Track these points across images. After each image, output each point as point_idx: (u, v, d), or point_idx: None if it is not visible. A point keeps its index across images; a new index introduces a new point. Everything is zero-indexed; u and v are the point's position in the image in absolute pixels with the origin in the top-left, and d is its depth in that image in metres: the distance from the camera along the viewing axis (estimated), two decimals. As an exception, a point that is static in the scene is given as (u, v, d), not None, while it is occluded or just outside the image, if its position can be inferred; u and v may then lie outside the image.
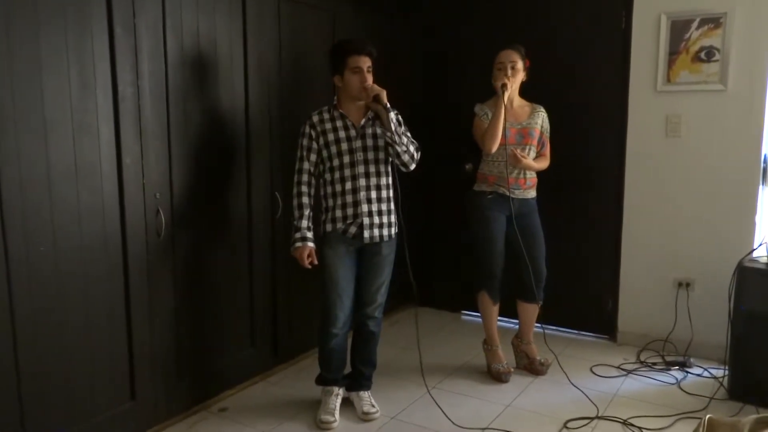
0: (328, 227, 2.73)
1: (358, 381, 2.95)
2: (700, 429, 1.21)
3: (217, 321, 2.97)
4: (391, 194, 2.79)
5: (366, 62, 2.65)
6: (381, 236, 2.74)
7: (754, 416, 1.20)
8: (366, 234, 2.70)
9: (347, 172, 2.68)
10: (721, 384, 3.13)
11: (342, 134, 2.69)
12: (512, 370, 3.31)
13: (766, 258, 3.01)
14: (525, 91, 3.24)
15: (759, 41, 3.26)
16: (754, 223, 3.35)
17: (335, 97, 2.75)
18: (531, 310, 3.36)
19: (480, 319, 3.44)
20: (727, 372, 3.09)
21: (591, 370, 3.37)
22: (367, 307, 2.85)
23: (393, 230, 2.79)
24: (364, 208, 2.69)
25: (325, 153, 2.71)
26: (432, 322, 4.14)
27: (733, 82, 3.34)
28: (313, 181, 2.73)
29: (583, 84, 3.74)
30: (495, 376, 3.27)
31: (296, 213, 2.70)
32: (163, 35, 2.57)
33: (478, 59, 3.56)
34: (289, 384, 3.21)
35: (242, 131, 3.00)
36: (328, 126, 2.69)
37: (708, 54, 3.40)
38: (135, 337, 2.56)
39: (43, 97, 2.17)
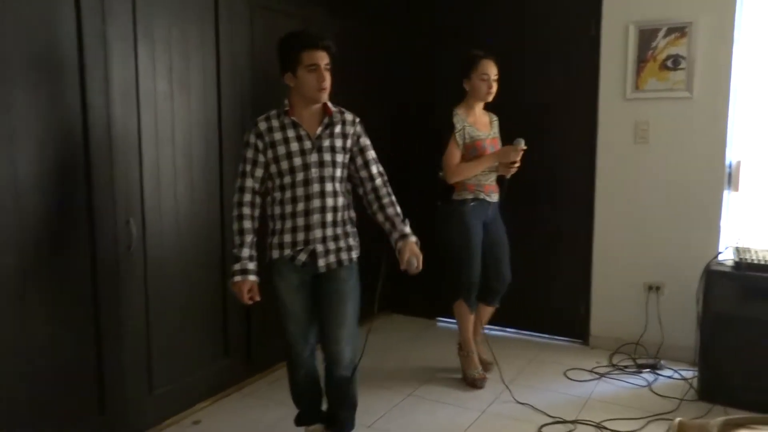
0: (275, 254, 2.35)
1: (336, 423, 2.53)
2: (670, 433, 1.23)
3: (190, 332, 2.93)
4: (352, 214, 2.43)
5: (323, 58, 2.26)
6: (339, 261, 2.36)
7: (723, 418, 1.23)
8: (320, 263, 2.33)
9: (300, 191, 2.29)
10: (691, 385, 3.19)
11: (295, 147, 2.28)
12: (487, 376, 3.33)
13: (732, 261, 3.08)
14: (496, 97, 3.25)
15: (722, 50, 3.35)
16: (719, 227, 3.43)
17: (286, 101, 2.32)
18: (490, 312, 3.44)
19: (455, 326, 3.46)
20: (696, 374, 3.15)
21: (565, 374, 3.41)
22: (333, 346, 2.39)
23: (353, 254, 2.41)
24: (317, 233, 2.31)
25: (274, 168, 2.30)
26: (407, 330, 4.14)
27: (698, 90, 3.42)
28: (258, 201, 2.34)
29: (555, 91, 3.80)
30: (470, 382, 3.28)
31: (236, 239, 2.30)
32: (134, 43, 2.54)
33: (451, 65, 3.57)
34: (263, 395, 3.19)
35: (215, 140, 2.97)
36: (278, 136, 2.29)
37: (675, 62, 3.48)
38: (104, 349, 2.51)
39: (10, 109, 2.12)
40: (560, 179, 3.83)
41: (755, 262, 3.00)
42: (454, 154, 3.17)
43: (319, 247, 2.32)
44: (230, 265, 2.34)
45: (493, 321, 3.68)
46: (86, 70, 2.36)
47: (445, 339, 3.88)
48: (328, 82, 2.28)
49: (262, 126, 2.31)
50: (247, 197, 2.31)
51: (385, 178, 2.46)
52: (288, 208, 2.31)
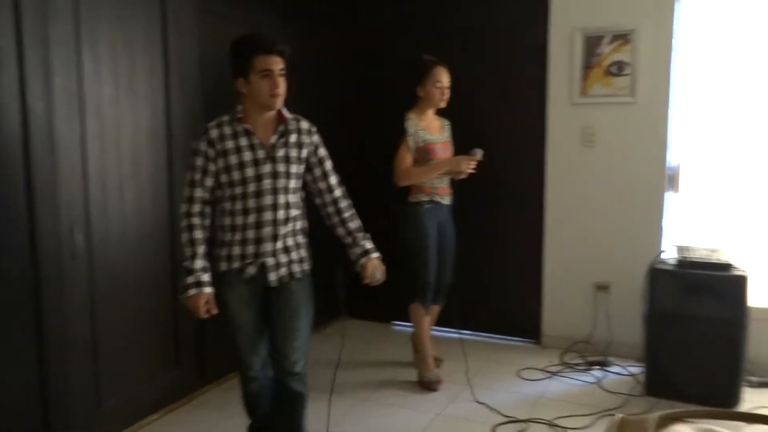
0: (223, 266, 2.27)
1: None
2: (612, 429, 1.27)
3: (139, 342, 2.86)
4: (304, 224, 2.37)
5: (278, 63, 2.18)
6: (291, 274, 2.30)
7: (660, 413, 1.27)
8: (271, 277, 2.26)
9: (251, 202, 2.20)
10: (638, 381, 3.29)
11: (247, 156, 2.19)
12: (443, 379, 3.35)
13: (674, 260, 3.20)
14: (447, 101, 3.31)
15: (662, 56, 3.48)
16: (662, 227, 3.55)
17: (238, 107, 2.24)
18: (436, 311, 3.50)
19: (411, 329, 3.49)
20: (643, 369, 3.25)
21: (518, 374, 3.47)
22: (284, 360, 2.33)
23: (306, 265, 2.36)
24: (268, 246, 2.23)
25: (224, 178, 2.20)
26: (363, 335, 4.14)
27: (641, 95, 3.54)
28: (208, 211, 2.25)
29: (505, 96, 3.87)
30: (426, 385, 3.30)
31: (187, 250, 2.20)
32: (77, 46, 2.48)
33: (401, 68, 3.61)
34: (217, 406, 3.13)
35: (163, 147, 2.91)
36: (230, 145, 2.19)
37: (619, 68, 3.59)
38: (48, 363, 2.43)
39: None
40: (512, 182, 3.90)
41: (696, 260, 3.12)
42: (405, 158, 3.21)
43: (270, 261, 2.25)
44: (182, 275, 2.25)
45: (447, 323, 3.73)
46: (26, 74, 2.28)
47: (401, 342, 3.89)
48: (282, 89, 2.20)
49: (214, 133, 2.21)
50: (197, 207, 2.22)
51: (344, 188, 2.43)
52: (238, 220, 2.22)
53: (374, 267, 2.39)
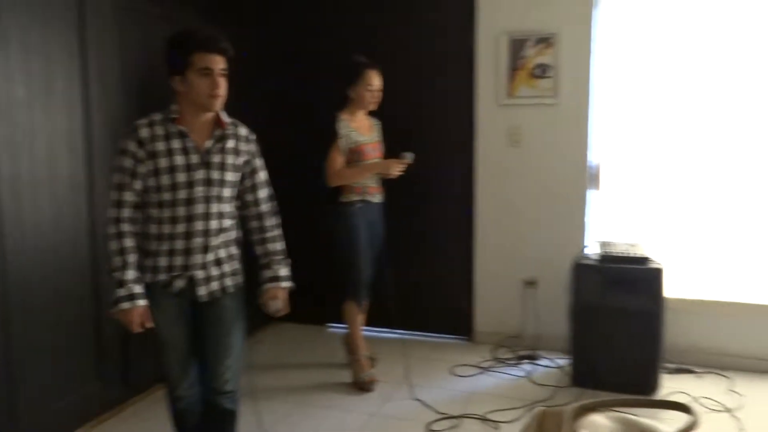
0: (148, 277, 2.11)
1: None
2: (533, 422, 1.31)
3: (59, 354, 2.73)
4: (238, 235, 2.26)
5: (219, 63, 2.05)
6: (223, 289, 2.19)
7: (577, 403, 1.32)
8: (201, 291, 2.14)
9: (181, 210, 2.06)
10: (566, 373, 3.41)
11: (179, 160, 2.05)
12: (377, 379, 3.37)
13: (596, 255, 3.33)
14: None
15: (583, 59, 3.62)
16: (585, 224, 3.70)
17: (172, 107, 2.09)
18: (366, 308, 3.50)
19: (345, 330, 3.49)
20: (570, 361, 3.37)
21: (451, 371, 3.53)
22: (216, 379, 2.22)
23: (239, 278, 2.24)
24: (197, 258, 2.11)
25: (152, 182, 2.05)
26: (296, 338, 4.10)
27: (563, 96, 3.67)
28: (138, 216, 2.09)
29: (435, 96, 3.92)
30: (360, 385, 3.31)
31: (116, 260, 2.03)
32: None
33: (331, 68, 3.60)
34: (143, 418, 3.01)
35: (81, 151, 2.79)
36: (161, 146, 2.03)
37: (542, 70, 3.71)
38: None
39: None
40: (442, 182, 3.96)
41: (616, 255, 3.26)
42: (336, 159, 3.21)
43: (200, 274, 2.12)
44: (111, 287, 2.06)
45: (381, 323, 3.76)
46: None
47: (335, 344, 3.89)
48: (223, 89, 2.07)
49: (144, 133, 2.03)
50: (126, 212, 2.05)
51: (274, 204, 2.31)
52: (166, 229, 2.07)
53: (274, 296, 2.24)
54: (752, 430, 2.81)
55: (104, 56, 2.87)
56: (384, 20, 3.97)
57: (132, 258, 2.05)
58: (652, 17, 3.55)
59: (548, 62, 3.69)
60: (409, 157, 3.23)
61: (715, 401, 3.07)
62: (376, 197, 3.37)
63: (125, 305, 2.02)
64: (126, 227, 2.05)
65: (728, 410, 3.00)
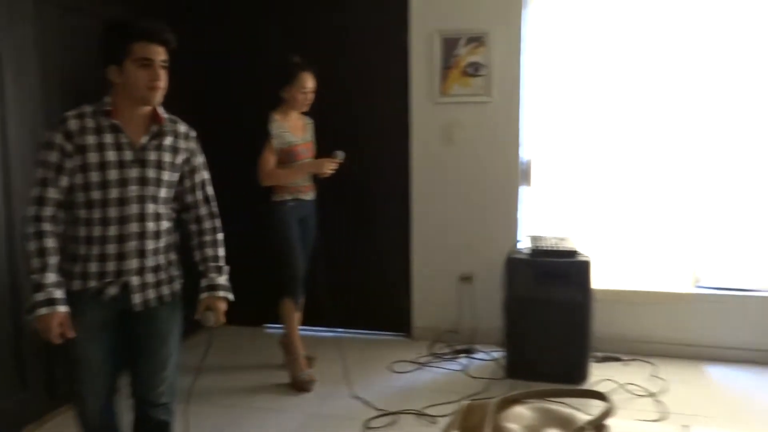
0: (76, 284, 1.94)
1: None
2: (458, 416, 1.33)
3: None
4: (176, 239, 2.12)
5: (160, 54, 1.92)
6: (160, 297, 2.05)
7: (502, 396, 1.35)
8: (136, 299, 1.99)
9: (113, 211, 1.92)
10: (500, 365, 3.48)
11: (111, 156, 1.90)
12: (316, 378, 3.35)
13: (528, 249, 3.42)
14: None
15: (514, 58, 3.70)
16: (517, 219, 3.79)
17: (106, 99, 1.94)
18: (302, 306, 3.47)
19: (281, 331, 3.47)
20: (504, 354, 3.45)
21: (390, 367, 3.55)
22: (150, 392, 2.09)
23: (176, 285, 2.11)
24: (133, 263, 1.96)
25: (80, 179, 1.89)
26: (233, 340, 4.02)
27: (496, 94, 3.74)
28: (62, 216, 1.93)
29: (370, 95, 3.94)
30: (299, 385, 3.29)
31: (36, 262, 1.86)
32: None
33: (270, 69, 3.56)
34: (71, 430, 2.89)
35: (-3, 150, 2.65)
36: (92, 140, 1.88)
37: (475, 69, 3.78)
38: None
39: None
40: (378, 179, 3.98)
41: (546, 248, 3.36)
42: (269, 159, 3.21)
43: (135, 280, 1.98)
44: (28, 290, 1.89)
45: (318, 322, 3.74)
46: None
47: (272, 345, 3.84)
48: (163, 82, 1.93)
49: (73, 125, 1.87)
50: (49, 211, 1.87)
51: (214, 205, 2.17)
52: (96, 231, 1.91)
53: (209, 307, 2.09)
54: (674, 413, 2.95)
55: (20, 49, 2.72)
56: (318, 19, 3.95)
57: (53, 260, 1.88)
58: (579, 17, 3.66)
59: (480, 61, 3.75)
60: (339, 155, 3.25)
61: (640, 387, 3.21)
62: (309, 195, 3.38)
63: (43, 311, 1.85)
64: (47, 226, 1.88)
65: (652, 395, 3.14)
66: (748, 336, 3.53)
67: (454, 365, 3.57)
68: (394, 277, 4.01)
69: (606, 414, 1.25)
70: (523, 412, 1.34)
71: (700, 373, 3.43)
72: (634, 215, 3.71)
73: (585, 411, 1.37)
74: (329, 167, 3.23)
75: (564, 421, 1.29)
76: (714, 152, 3.57)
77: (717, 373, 3.44)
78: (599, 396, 1.34)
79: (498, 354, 3.62)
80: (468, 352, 3.70)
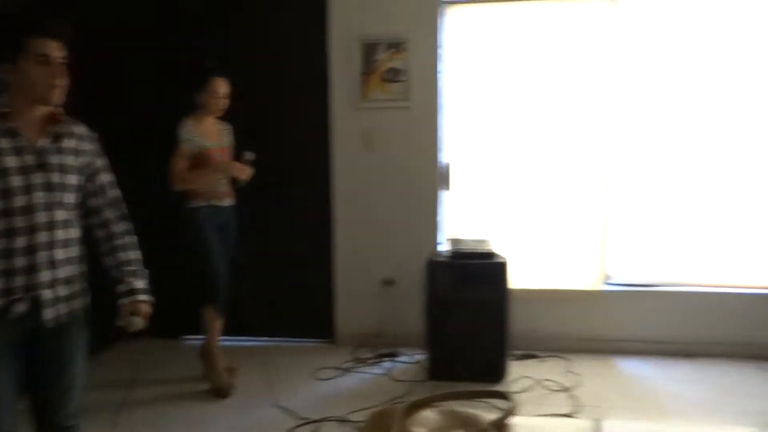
0: None
1: None
2: (368, 424, 1.33)
3: None
4: (83, 249, 1.99)
5: (58, 49, 1.80)
6: (71, 312, 1.91)
7: (408, 401, 1.36)
8: (48, 314, 1.83)
9: (19, 221, 1.77)
10: (423, 367, 3.52)
11: (12, 162, 1.76)
12: (236, 386, 3.29)
13: (447, 252, 3.48)
14: (232, 108, 3.29)
15: (432, 64, 3.77)
16: (438, 223, 3.86)
17: (1, 100, 1.81)
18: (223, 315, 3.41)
19: (201, 342, 3.39)
20: (426, 356, 3.48)
21: (314, 374, 3.52)
22: (56, 414, 1.95)
23: (86, 298, 1.99)
24: (44, 276, 1.81)
25: None
26: (150, 353, 3.88)
27: (415, 100, 3.79)
28: None
29: (291, 100, 3.91)
30: (218, 392, 3.24)
31: None
32: None
33: (184, 73, 3.46)
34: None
35: None
36: None
37: (395, 74, 3.81)
38: None
39: None
40: (299, 185, 3.95)
41: (465, 251, 3.43)
42: (178, 163, 3.17)
43: (47, 294, 1.81)
44: None
45: (240, 331, 3.67)
46: None
47: (193, 357, 3.73)
48: (63, 80, 1.82)
49: None
50: None
51: (122, 207, 2.06)
52: (1, 244, 1.76)
53: (133, 311, 1.99)
54: (587, 406, 3.08)
55: None
56: (235, 23, 3.88)
57: None
58: (496, 24, 3.77)
59: (400, 66, 3.80)
60: (249, 156, 3.21)
61: (555, 382, 3.34)
62: (227, 201, 3.33)
63: None
64: None
65: (566, 389, 3.26)
66: (655, 329, 3.74)
67: (377, 369, 3.58)
68: (317, 283, 3.99)
69: (507, 414, 1.29)
70: (429, 416, 1.35)
71: (611, 367, 3.60)
72: (548, 216, 3.84)
73: (484, 411, 1.40)
74: (240, 170, 3.18)
75: (468, 423, 1.32)
76: (620, 153, 3.76)
77: (626, 366, 3.62)
78: (502, 396, 1.38)
79: (421, 356, 3.66)
80: (391, 355, 3.73)
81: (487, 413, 1.39)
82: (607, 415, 2.99)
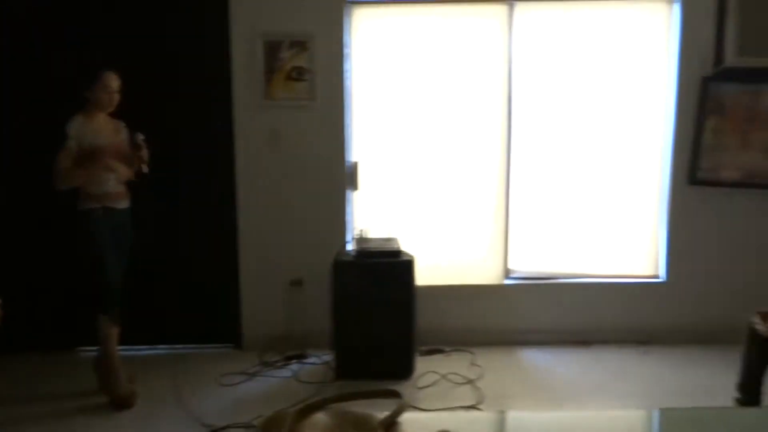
0: None
1: None
2: (259, 429, 1.30)
3: None
4: None
5: None
6: None
7: (299, 405, 1.34)
8: None
9: None
10: (331, 367, 3.51)
11: None
12: (138, 395, 3.15)
13: (354, 251, 3.49)
14: (130, 106, 3.15)
15: (338, 63, 3.75)
16: (345, 222, 3.86)
17: None
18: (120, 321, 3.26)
19: (96, 353, 3.22)
20: (334, 356, 3.47)
21: (219, 381, 3.42)
22: None
23: None
24: None
25: None
26: (41, 367, 3.64)
27: (320, 99, 3.77)
28: None
29: (191, 98, 3.78)
30: (120, 402, 3.10)
31: None
32: None
33: (69, 68, 3.28)
34: None
35: None
36: None
37: (299, 73, 3.77)
38: None
39: None
40: (202, 185, 3.83)
41: (372, 249, 3.46)
42: (63, 161, 3.00)
43: None
44: None
45: (141, 339, 3.52)
46: None
47: (88, 368, 3.54)
48: None
49: None
50: None
51: None
52: None
53: None
54: (490, 397, 3.19)
55: None
56: (132, 18, 3.70)
57: None
58: (398, 25, 3.81)
59: (304, 65, 3.76)
60: (139, 136, 3.09)
61: (461, 375, 3.43)
62: (121, 203, 3.18)
63: None
64: None
65: (470, 381, 3.36)
66: (553, 319, 3.92)
67: (285, 372, 3.54)
68: (221, 286, 3.88)
69: (398, 412, 1.30)
70: (321, 418, 1.34)
71: (514, 358, 3.74)
72: (452, 214, 3.93)
73: (376, 410, 1.41)
74: (136, 159, 3.06)
75: (360, 423, 1.32)
76: (518, 152, 3.90)
77: (528, 357, 3.77)
78: (394, 394, 1.39)
79: (329, 357, 3.64)
80: (300, 357, 3.69)
81: (380, 413, 1.39)
82: (509, 405, 3.11)
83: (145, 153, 3.09)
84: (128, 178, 3.18)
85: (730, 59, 3.66)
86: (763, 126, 3.70)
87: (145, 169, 3.11)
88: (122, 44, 3.65)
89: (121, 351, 3.26)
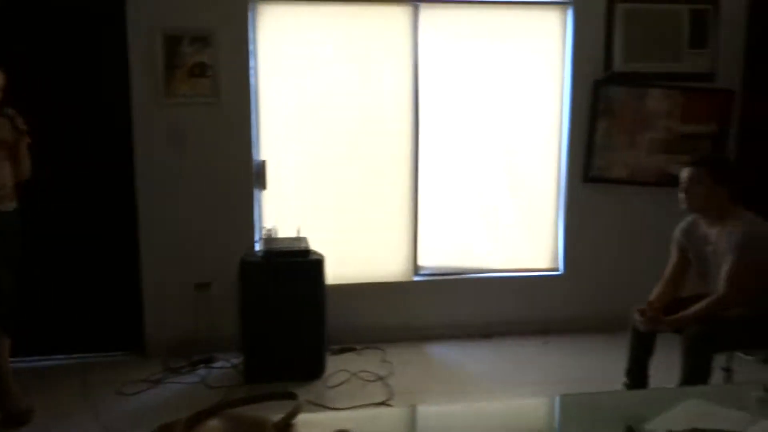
0: None
1: None
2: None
3: None
4: None
5: None
6: None
7: (190, 413, 1.31)
8: None
9: None
10: (239, 371, 3.44)
11: None
12: (35, 409, 2.97)
13: (262, 251, 3.44)
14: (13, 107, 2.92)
15: (243, 60, 3.67)
16: (253, 223, 3.79)
17: None
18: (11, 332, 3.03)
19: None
20: (243, 359, 3.40)
21: (118, 390, 3.26)
22: None
23: None
24: None
25: None
26: None
27: (224, 96, 3.67)
28: None
29: (85, 96, 3.61)
30: (16, 418, 2.90)
31: None
32: None
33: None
34: None
35: None
36: None
37: (201, 69, 3.66)
38: None
39: None
40: (97, 186, 3.65)
41: (280, 249, 3.42)
42: None
43: None
44: None
45: (37, 350, 3.31)
46: None
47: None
48: None
49: None
50: None
51: None
52: None
53: None
54: (399, 393, 3.23)
55: None
56: (22, 7, 3.47)
57: None
58: (304, 22, 3.77)
59: (207, 61, 3.65)
60: (9, 111, 2.87)
61: (371, 373, 3.46)
62: (7, 205, 2.93)
63: None
64: None
65: (381, 378, 3.40)
66: (459, 314, 4.03)
67: (192, 378, 3.43)
68: (121, 291, 3.72)
69: (293, 414, 1.29)
70: (215, 425, 1.32)
71: (423, 353, 3.81)
72: (362, 212, 3.95)
73: (270, 413, 1.39)
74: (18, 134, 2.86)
75: (254, 427, 1.30)
76: (425, 150, 3.98)
77: (436, 351, 3.86)
78: (289, 396, 1.38)
79: (238, 360, 3.57)
80: (207, 361, 3.58)
81: (276, 415, 1.38)
82: (418, 400, 3.16)
83: (20, 121, 2.88)
84: (15, 179, 2.96)
85: (619, 64, 3.91)
86: (647, 127, 3.98)
87: (24, 128, 2.90)
88: (8, 37, 3.41)
89: (14, 363, 3.05)
